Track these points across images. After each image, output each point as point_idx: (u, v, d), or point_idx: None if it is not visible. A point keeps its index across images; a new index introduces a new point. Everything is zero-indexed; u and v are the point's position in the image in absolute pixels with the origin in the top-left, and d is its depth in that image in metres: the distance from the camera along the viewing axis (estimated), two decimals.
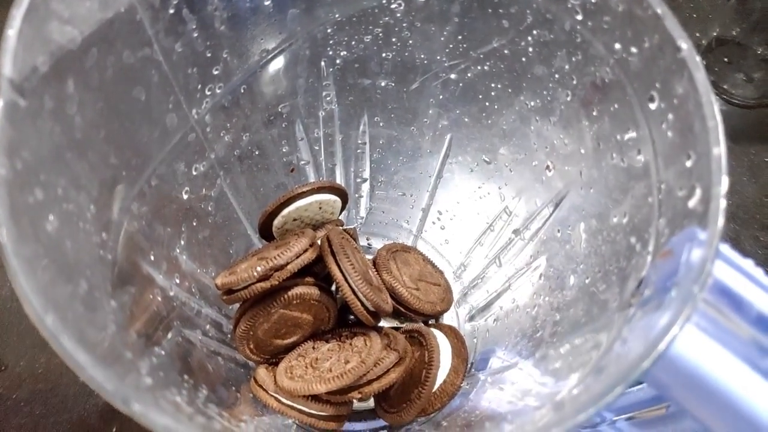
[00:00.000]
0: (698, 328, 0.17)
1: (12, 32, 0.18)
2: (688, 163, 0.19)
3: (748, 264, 0.18)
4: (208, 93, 0.31)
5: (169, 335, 0.28)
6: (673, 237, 0.19)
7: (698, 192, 0.18)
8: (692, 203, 0.19)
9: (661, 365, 0.17)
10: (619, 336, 0.19)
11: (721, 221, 0.17)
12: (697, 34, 0.55)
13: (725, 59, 0.53)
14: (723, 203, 0.17)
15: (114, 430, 0.37)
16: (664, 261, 0.19)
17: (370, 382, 0.32)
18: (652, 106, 0.22)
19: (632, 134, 0.24)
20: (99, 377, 0.14)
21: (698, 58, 0.20)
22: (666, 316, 0.16)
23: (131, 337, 0.21)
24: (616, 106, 0.25)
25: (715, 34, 0.53)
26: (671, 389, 0.18)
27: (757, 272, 0.18)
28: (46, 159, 0.19)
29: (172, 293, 0.30)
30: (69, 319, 0.16)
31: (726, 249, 0.18)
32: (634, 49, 0.23)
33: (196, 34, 0.28)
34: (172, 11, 0.26)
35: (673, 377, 0.18)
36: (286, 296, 0.33)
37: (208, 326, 0.33)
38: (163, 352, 0.24)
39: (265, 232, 0.38)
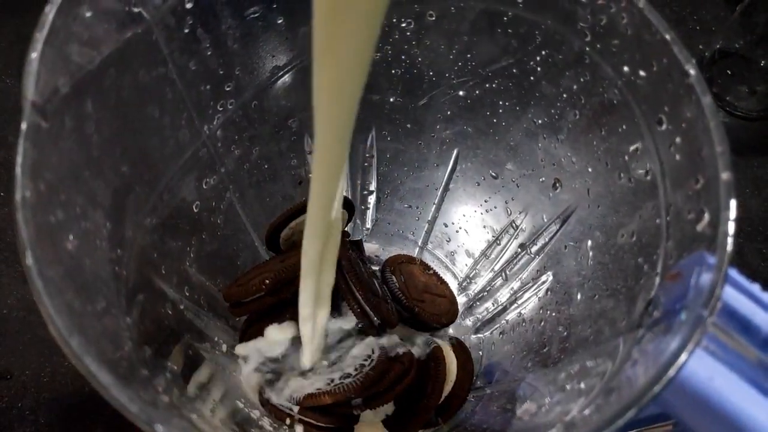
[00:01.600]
0: (706, 351, 0.18)
1: (35, 55, 0.18)
2: (697, 187, 0.20)
3: (755, 288, 0.19)
4: (220, 109, 0.31)
5: (180, 349, 0.28)
6: (682, 260, 0.19)
7: (707, 216, 0.19)
8: (701, 227, 0.19)
9: (670, 387, 0.17)
10: (628, 357, 0.19)
11: (730, 246, 0.17)
12: (701, 47, 0.55)
13: (729, 72, 0.53)
14: (732, 228, 0.17)
15: None
16: (673, 283, 0.19)
17: (376, 395, 0.32)
18: (660, 128, 0.22)
19: (640, 155, 0.24)
20: (123, 398, 0.14)
21: (705, 84, 0.20)
22: (676, 340, 0.16)
23: (146, 353, 0.22)
24: (624, 126, 0.25)
25: (718, 46, 0.53)
26: (679, 410, 0.18)
27: (765, 296, 0.18)
28: (65, 178, 0.20)
29: (182, 306, 0.30)
30: (91, 338, 0.16)
31: (734, 273, 0.18)
32: (642, 72, 0.23)
33: (209, 53, 0.28)
34: (186, 31, 0.26)
35: (682, 399, 0.18)
36: (293, 309, 0.34)
37: (216, 338, 0.34)
38: (175, 367, 0.25)
39: (273, 244, 0.39)
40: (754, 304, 0.18)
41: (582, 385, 0.22)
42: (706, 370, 0.17)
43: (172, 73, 0.26)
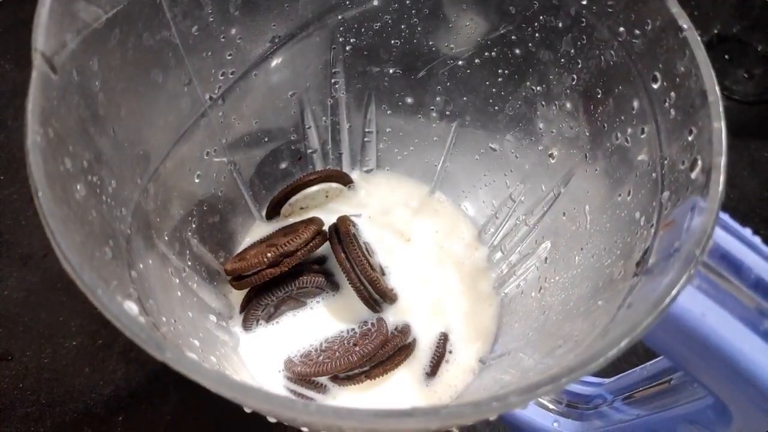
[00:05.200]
0: (699, 289, 0.18)
1: (43, 9, 0.19)
2: (690, 138, 0.20)
3: (747, 231, 0.19)
4: (222, 78, 0.31)
5: (184, 312, 0.28)
6: (676, 208, 0.20)
7: (700, 163, 0.19)
8: (694, 174, 0.19)
9: (665, 326, 0.17)
10: (624, 304, 0.20)
11: (722, 188, 0.18)
12: (698, 32, 0.55)
13: (726, 56, 0.54)
14: (724, 172, 0.18)
15: (120, 419, 0.37)
16: (667, 231, 0.20)
17: (377, 365, 0.33)
18: (655, 85, 0.23)
19: (636, 114, 0.24)
20: (134, 327, 0.15)
21: (698, 38, 0.21)
22: (669, 276, 0.16)
23: (151, 306, 0.22)
24: (620, 87, 0.25)
25: (716, 31, 0.54)
26: (674, 351, 0.19)
27: (756, 239, 0.19)
28: (72, 131, 0.20)
29: (184, 274, 0.31)
30: (100, 278, 0.17)
31: (726, 217, 0.19)
32: (637, 32, 0.24)
33: (212, 18, 0.28)
34: None
35: (676, 339, 0.18)
36: (293, 283, 0.34)
37: (216, 309, 0.34)
38: (180, 327, 0.25)
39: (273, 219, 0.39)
40: (746, 247, 0.19)
41: (578, 339, 0.23)
42: (698, 307, 0.18)
43: (175, 38, 0.26)
